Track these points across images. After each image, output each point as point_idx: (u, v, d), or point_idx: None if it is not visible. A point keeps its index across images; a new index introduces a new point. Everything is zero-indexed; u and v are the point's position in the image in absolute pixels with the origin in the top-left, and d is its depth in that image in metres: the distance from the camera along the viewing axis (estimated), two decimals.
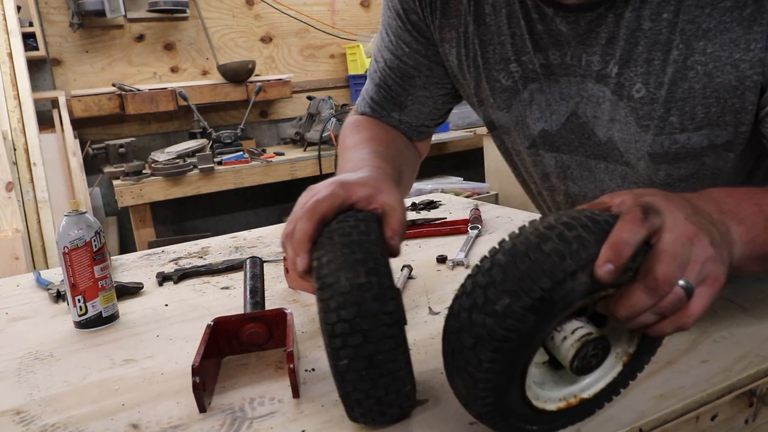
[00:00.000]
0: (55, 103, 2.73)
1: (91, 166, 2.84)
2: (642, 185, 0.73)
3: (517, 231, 0.44)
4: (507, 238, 0.44)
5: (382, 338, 0.45)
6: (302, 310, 0.82)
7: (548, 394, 0.47)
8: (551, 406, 0.47)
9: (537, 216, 0.88)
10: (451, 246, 1.05)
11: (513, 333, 0.40)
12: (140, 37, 3.03)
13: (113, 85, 2.90)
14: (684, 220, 0.44)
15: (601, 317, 0.47)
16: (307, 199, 0.54)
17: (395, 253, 0.53)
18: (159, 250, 1.23)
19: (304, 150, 2.96)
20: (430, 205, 1.40)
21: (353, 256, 0.47)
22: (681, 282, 0.43)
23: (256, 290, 0.79)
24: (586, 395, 0.48)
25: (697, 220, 0.45)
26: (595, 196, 0.77)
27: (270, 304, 0.83)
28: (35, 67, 2.79)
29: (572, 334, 0.43)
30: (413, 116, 0.89)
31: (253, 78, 3.10)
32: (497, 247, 0.44)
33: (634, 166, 0.72)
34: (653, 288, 0.42)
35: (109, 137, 2.94)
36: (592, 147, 0.75)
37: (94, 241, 0.80)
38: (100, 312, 0.82)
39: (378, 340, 0.45)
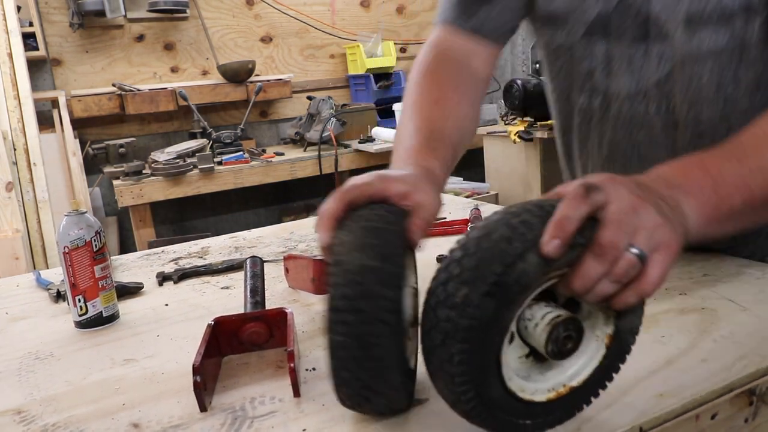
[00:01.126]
0: (55, 103, 2.73)
1: (91, 166, 2.84)
2: (675, 60, 0.76)
3: (469, 228, 0.45)
4: (463, 235, 0.46)
5: (376, 321, 0.45)
6: (302, 309, 0.83)
7: (535, 386, 0.47)
8: (540, 397, 0.47)
9: None
10: (449, 245, 1.05)
11: (475, 321, 0.41)
12: (140, 37, 3.03)
13: (113, 85, 2.90)
14: (628, 194, 0.45)
15: (575, 303, 0.48)
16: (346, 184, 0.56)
17: (413, 246, 0.55)
18: (159, 250, 1.23)
19: (304, 150, 2.96)
20: None
21: (369, 240, 0.48)
22: (633, 250, 0.44)
23: (257, 290, 0.79)
24: (575, 383, 0.48)
25: (642, 193, 0.46)
26: (630, 91, 0.79)
27: (270, 304, 0.83)
28: (35, 67, 2.79)
29: (542, 319, 0.44)
30: (497, 13, 0.85)
31: (253, 78, 3.10)
32: (455, 245, 0.46)
33: (671, 37, 0.74)
34: (600, 254, 0.43)
35: (109, 137, 2.95)
36: (637, 27, 0.77)
37: (95, 240, 0.80)
38: (101, 312, 0.82)
39: (372, 323, 0.45)
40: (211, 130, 2.87)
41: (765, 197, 0.56)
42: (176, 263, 1.12)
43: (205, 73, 3.19)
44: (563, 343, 0.44)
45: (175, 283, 1.00)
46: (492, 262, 0.42)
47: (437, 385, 0.47)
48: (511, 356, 0.46)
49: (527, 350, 0.48)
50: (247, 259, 0.87)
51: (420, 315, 0.46)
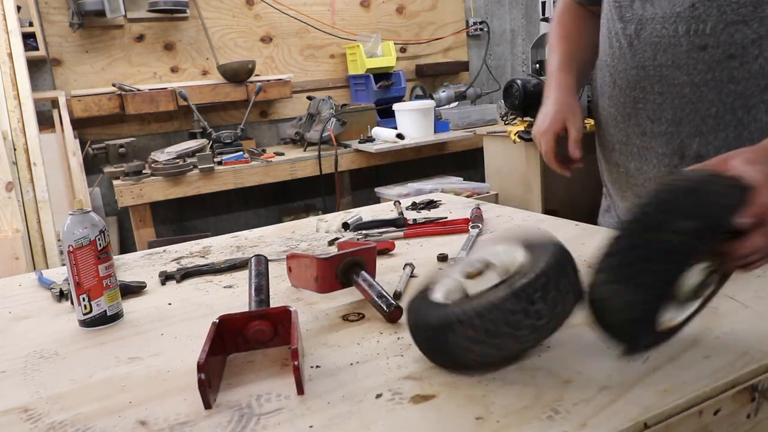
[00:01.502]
0: (55, 103, 2.73)
1: (91, 166, 2.84)
2: None
3: (667, 180, 0.57)
4: (662, 184, 0.56)
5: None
6: (306, 308, 0.83)
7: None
8: (659, 327, 0.56)
9: (538, 215, 1.00)
10: (452, 245, 1.06)
11: (686, 249, 0.51)
12: (140, 37, 3.03)
13: (113, 85, 2.90)
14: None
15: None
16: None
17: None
18: (161, 249, 1.24)
19: (304, 150, 2.96)
20: (431, 204, 1.41)
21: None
22: None
23: (261, 288, 0.79)
24: (675, 323, 0.58)
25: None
26: (663, 14, 0.84)
27: (273, 303, 0.83)
28: (35, 67, 2.79)
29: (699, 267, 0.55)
30: None
31: (253, 78, 3.11)
32: (656, 188, 0.55)
33: None
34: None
35: (109, 137, 2.94)
36: None
37: (99, 239, 0.81)
38: (105, 311, 0.82)
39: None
40: (211, 130, 2.87)
41: None
42: (178, 263, 1.12)
43: (205, 73, 3.20)
44: (701, 289, 0.56)
45: (178, 282, 1.00)
46: (712, 206, 0.50)
47: (617, 291, 0.54)
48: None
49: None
50: (251, 257, 0.87)
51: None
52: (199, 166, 2.58)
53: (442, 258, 0.98)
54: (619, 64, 0.94)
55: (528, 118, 2.91)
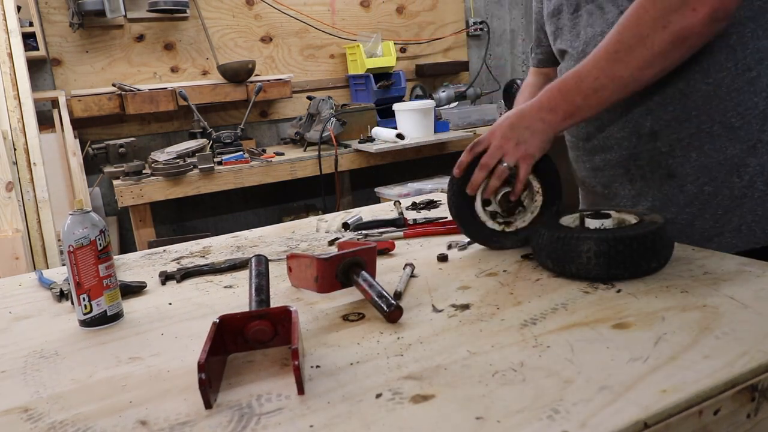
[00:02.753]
0: (55, 103, 2.73)
1: (91, 166, 2.84)
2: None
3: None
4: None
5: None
6: (306, 308, 0.83)
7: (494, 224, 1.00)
8: (497, 227, 0.99)
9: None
10: (471, 247, 1.06)
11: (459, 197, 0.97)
12: (140, 37, 3.03)
13: (113, 85, 2.90)
14: (498, 138, 0.91)
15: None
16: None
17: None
18: (161, 249, 1.24)
19: (304, 150, 2.96)
20: (431, 204, 1.41)
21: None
22: (504, 163, 0.90)
23: (262, 288, 0.79)
24: (522, 224, 0.99)
25: (507, 133, 0.90)
26: (603, 27, 0.97)
27: (273, 303, 0.83)
28: (35, 67, 2.79)
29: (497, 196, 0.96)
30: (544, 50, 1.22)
31: (253, 78, 3.11)
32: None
33: None
34: (480, 168, 0.92)
35: (109, 137, 2.95)
36: None
37: (99, 239, 0.81)
38: (105, 310, 0.82)
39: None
40: (211, 130, 2.87)
41: (592, 91, 0.85)
42: (178, 263, 1.12)
43: (205, 73, 3.20)
44: (504, 204, 0.96)
45: (178, 282, 1.01)
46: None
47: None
48: (484, 211, 0.98)
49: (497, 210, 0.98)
50: (252, 257, 0.87)
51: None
52: (199, 166, 2.58)
53: (442, 258, 0.98)
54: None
55: None
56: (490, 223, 0.98)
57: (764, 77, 0.88)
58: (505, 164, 0.89)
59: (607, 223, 0.87)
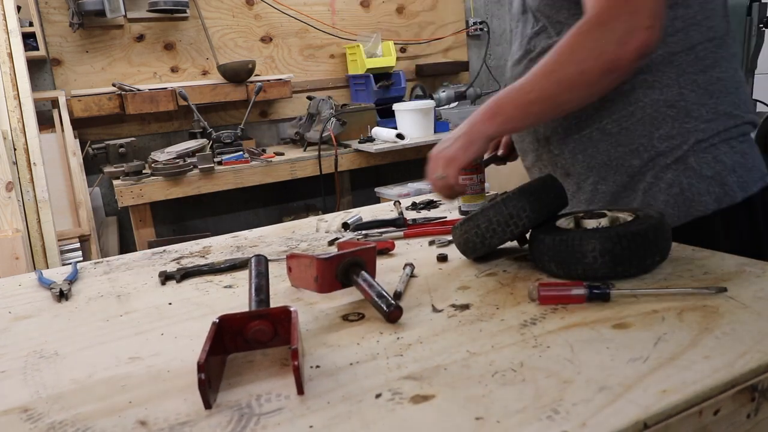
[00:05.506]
0: (55, 103, 2.73)
1: (91, 166, 2.84)
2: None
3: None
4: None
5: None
6: (305, 308, 0.83)
7: None
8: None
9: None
10: (452, 245, 1.06)
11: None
12: (140, 37, 3.03)
13: (113, 85, 2.90)
14: (435, 155, 0.98)
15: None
16: None
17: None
18: (161, 249, 1.24)
19: (304, 150, 2.96)
20: (430, 204, 1.41)
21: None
22: (436, 175, 0.96)
23: (261, 288, 0.79)
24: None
25: (443, 146, 0.98)
26: (518, 45, 1.12)
27: (273, 303, 0.83)
28: (35, 67, 2.79)
29: None
30: None
31: (253, 78, 3.11)
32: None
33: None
34: (429, 179, 0.98)
35: (109, 137, 2.95)
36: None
37: None
38: None
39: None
40: (211, 130, 2.87)
41: (525, 106, 0.91)
42: (178, 263, 1.12)
43: (205, 73, 3.20)
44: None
45: (178, 282, 1.01)
46: None
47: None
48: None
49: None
50: (252, 257, 0.87)
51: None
52: (199, 166, 2.58)
53: (442, 258, 0.98)
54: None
55: None
56: None
57: (638, 89, 0.97)
58: (436, 175, 0.97)
59: (604, 222, 0.87)
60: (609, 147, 1.01)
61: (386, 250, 1.06)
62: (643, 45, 0.83)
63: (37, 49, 2.70)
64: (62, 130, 2.67)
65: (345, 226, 1.26)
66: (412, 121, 3.02)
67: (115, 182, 2.52)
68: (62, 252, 2.41)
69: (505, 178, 3.00)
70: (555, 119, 1.03)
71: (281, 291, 0.91)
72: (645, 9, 0.83)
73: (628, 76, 0.90)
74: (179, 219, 3.21)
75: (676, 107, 0.96)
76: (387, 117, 3.23)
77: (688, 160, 0.96)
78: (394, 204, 1.43)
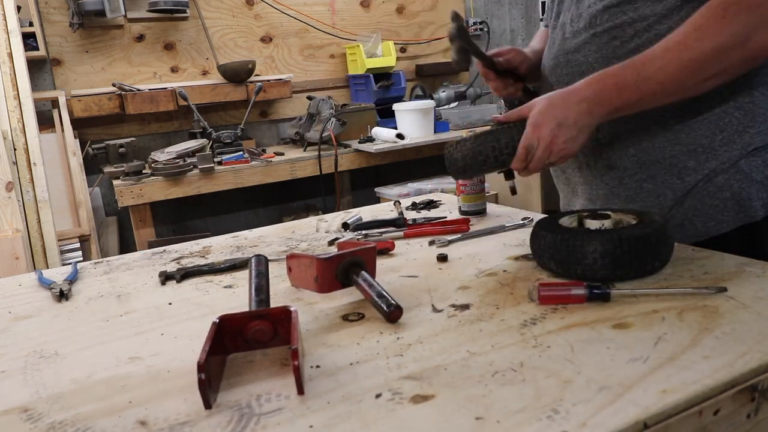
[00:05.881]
0: (55, 103, 2.73)
1: (91, 166, 2.84)
2: None
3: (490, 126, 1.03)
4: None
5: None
6: (305, 308, 0.83)
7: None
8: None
9: (538, 214, 1.11)
10: (452, 245, 1.06)
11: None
12: (140, 37, 3.03)
13: (113, 85, 2.90)
14: (547, 139, 0.85)
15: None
16: None
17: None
18: (161, 249, 1.24)
19: (304, 150, 2.96)
20: (431, 204, 1.41)
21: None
22: (537, 153, 0.87)
23: (261, 288, 0.79)
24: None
25: (555, 132, 0.84)
26: (573, 17, 1.02)
27: (273, 303, 0.83)
28: (35, 67, 2.79)
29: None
30: None
31: (253, 78, 3.11)
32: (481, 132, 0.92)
33: None
34: (532, 168, 0.90)
35: (109, 137, 2.95)
36: None
37: None
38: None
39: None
40: (211, 130, 2.87)
41: (651, 93, 0.83)
42: (178, 263, 1.12)
43: (205, 73, 3.20)
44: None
45: (178, 282, 1.00)
46: (502, 140, 0.90)
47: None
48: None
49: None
50: (252, 257, 0.87)
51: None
52: (199, 166, 2.58)
53: (442, 258, 0.98)
54: (546, 60, 1.10)
55: None
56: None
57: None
58: (538, 154, 0.86)
59: (607, 224, 0.87)
60: (666, 144, 0.93)
61: (386, 250, 1.06)
62: None
63: (37, 49, 2.70)
64: (62, 130, 2.67)
65: (345, 226, 1.26)
66: (412, 121, 3.02)
67: (115, 182, 2.52)
68: (62, 252, 2.42)
69: None
70: None
71: (281, 291, 0.91)
72: None
73: None
74: (179, 219, 3.21)
75: (743, 109, 0.90)
76: (387, 117, 3.23)
77: (739, 163, 0.91)
78: (394, 204, 1.43)
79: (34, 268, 2.22)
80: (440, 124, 3.17)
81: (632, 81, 0.83)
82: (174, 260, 1.14)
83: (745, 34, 0.77)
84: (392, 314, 0.74)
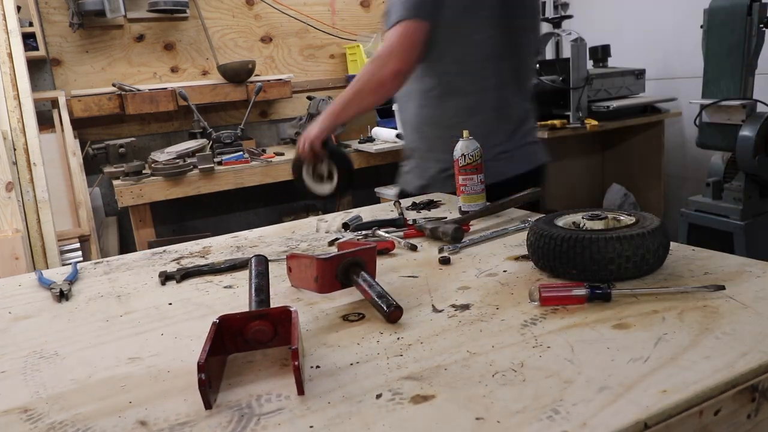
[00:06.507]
0: (55, 103, 2.73)
1: (91, 166, 2.84)
2: None
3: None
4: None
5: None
6: (306, 308, 0.83)
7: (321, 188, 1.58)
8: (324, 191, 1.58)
9: (541, 216, 1.09)
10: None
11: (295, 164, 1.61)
12: (140, 37, 3.03)
13: (113, 85, 2.90)
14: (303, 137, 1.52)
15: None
16: None
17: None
18: (161, 249, 1.24)
19: None
20: (431, 204, 1.41)
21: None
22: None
23: (262, 288, 0.79)
24: (330, 190, 1.57)
25: (308, 132, 1.51)
26: None
27: (273, 303, 0.83)
28: (35, 67, 2.79)
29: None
30: None
31: (253, 78, 3.11)
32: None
33: None
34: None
35: (109, 137, 2.95)
36: None
37: None
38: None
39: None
40: (211, 130, 2.87)
41: (344, 104, 1.47)
42: (178, 263, 1.12)
43: (205, 73, 3.20)
44: (319, 178, 1.56)
45: (178, 282, 1.00)
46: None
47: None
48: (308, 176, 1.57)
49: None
50: (252, 257, 0.87)
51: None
52: (199, 166, 2.57)
53: (443, 259, 0.98)
54: None
55: None
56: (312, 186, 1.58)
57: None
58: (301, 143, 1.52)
59: (604, 224, 0.87)
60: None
61: (386, 250, 1.06)
62: (397, 69, 1.38)
63: (37, 49, 2.70)
64: (62, 130, 2.67)
65: (345, 226, 1.26)
66: None
67: (115, 182, 2.52)
68: (62, 252, 2.41)
69: None
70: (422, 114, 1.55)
71: (281, 291, 0.91)
72: (395, 56, 1.38)
73: (397, 89, 1.46)
74: (179, 219, 3.21)
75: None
76: (387, 117, 3.23)
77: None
78: (394, 204, 1.42)
79: (34, 269, 2.21)
80: None
81: (335, 107, 1.48)
82: (174, 260, 1.14)
83: (374, 73, 1.41)
84: (392, 314, 0.74)
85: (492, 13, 1.41)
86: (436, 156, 1.51)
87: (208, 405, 0.58)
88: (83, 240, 2.53)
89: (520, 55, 1.51)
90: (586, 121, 2.72)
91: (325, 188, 1.56)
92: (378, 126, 3.11)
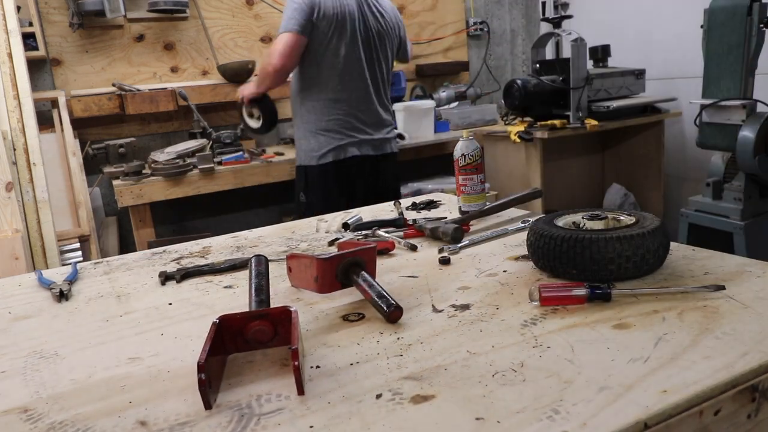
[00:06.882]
0: (55, 103, 2.73)
1: (91, 166, 2.84)
2: None
3: None
4: None
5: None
6: (305, 308, 0.83)
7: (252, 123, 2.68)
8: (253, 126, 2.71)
9: (541, 215, 1.07)
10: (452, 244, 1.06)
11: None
12: (140, 37, 3.03)
13: (113, 85, 2.90)
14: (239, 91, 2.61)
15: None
16: None
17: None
18: (160, 249, 1.24)
19: None
20: (431, 204, 1.41)
21: None
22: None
23: (261, 288, 0.79)
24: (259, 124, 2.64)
25: (242, 89, 2.60)
26: None
27: (273, 303, 0.83)
28: (35, 67, 2.79)
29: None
30: None
31: (253, 78, 3.10)
32: None
33: None
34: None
35: (109, 137, 2.94)
36: None
37: None
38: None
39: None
40: (211, 130, 2.86)
41: (256, 82, 2.45)
42: (178, 263, 1.12)
43: (205, 73, 3.19)
44: (250, 116, 2.65)
45: (178, 282, 1.00)
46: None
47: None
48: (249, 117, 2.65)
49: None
50: (252, 257, 0.87)
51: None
52: (199, 166, 2.57)
53: (443, 259, 0.98)
54: None
55: (528, 118, 2.91)
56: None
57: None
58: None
59: (604, 224, 0.87)
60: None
61: (386, 250, 1.06)
62: (277, 68, 2.13)
63: (36, 49, 2.70)
64: (62, 130, 2.67)
65: (345, 226, 1.26)
66: (412, 121, 3.02)
67: (115, 182, 2.51)
68: (62, 252, 2.41)
69: (506, 178, 3.01)
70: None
71: (281, 291, 0.91)
72: (275, 58, 2.11)
73: (281, 81, 2.28)
74: (179, 219, 3.21)
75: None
76: None
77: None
78: (394, 204, 1.42)
79: (34, 269, 2.21)
80: (440, 124, 3.16)
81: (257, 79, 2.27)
82: (174, 260, 1.14)
83: (266, 66, 2.17)
84: (392, 314, 0.74)
85: (354, 38, 2.17)
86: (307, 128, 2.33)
87: (208, 405, 0.58)
88: (83, 240, 2.53)
89: (379, 74, 2.31)
90: (586, 121, 2.72)
91: (255, 124, 2.59)
92: None
